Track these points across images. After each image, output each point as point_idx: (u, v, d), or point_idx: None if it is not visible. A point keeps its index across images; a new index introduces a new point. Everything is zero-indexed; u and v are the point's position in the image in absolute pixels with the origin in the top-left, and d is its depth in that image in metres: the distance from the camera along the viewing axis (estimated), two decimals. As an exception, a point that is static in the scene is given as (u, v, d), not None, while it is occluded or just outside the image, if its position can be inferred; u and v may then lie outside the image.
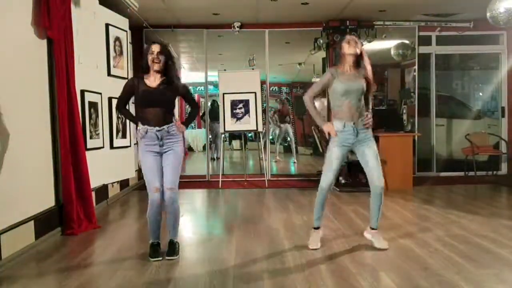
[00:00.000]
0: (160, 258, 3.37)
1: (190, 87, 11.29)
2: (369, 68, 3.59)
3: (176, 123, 3.41)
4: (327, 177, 3.59)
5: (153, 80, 3.36)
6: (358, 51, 3.54)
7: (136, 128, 3.48)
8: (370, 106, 3.69)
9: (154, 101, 3.31)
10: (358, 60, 3.55)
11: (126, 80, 3.63)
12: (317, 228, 3.71)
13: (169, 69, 3.36)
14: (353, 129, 3.50)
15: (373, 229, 3.66)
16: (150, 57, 3.30)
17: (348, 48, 3.52)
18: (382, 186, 3.52)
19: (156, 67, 3.31)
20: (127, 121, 5.75)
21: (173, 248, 3.45)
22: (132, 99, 3.54)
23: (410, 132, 7.32)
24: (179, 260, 3.44)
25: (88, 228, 4.30)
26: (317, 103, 11.47)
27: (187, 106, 3.52)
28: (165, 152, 3.38)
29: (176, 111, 3.28)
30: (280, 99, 11.31)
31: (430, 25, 7.46)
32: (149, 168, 3.35)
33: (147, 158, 3.36)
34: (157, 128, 3.32)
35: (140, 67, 3.41)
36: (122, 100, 3.53)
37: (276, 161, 9.71)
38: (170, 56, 3.38)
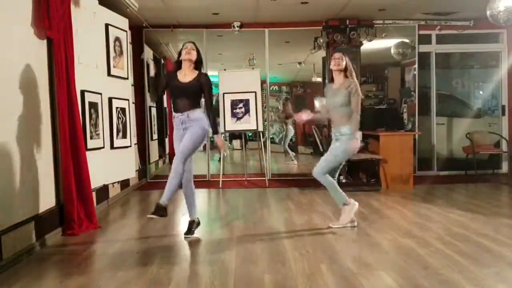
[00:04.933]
0: (155, 217, 3.70)
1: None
2: (354, 80, 4.17)
3: (217, 140, 4.13)
4: (324, 165, 4.26)
5: (183, 76, 3.97)
6: (343, 67, 4.14)
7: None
8: (355, 116, 4.15)
9: (184, 94, 3.93)
10: (346, 73, 4.17)
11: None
12: (346, 204, 4.24)
13: (199, 65, 4.03)
14: (335, 136, 4.27)
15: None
16: (184, 51, 3.94)
17: (333, 65, 4.17)
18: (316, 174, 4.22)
19: (189, 56, 3.92)
20: (127, 121, 5.76)
21: (190, 228, 4.07)
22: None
23: (410, 131, 7.32)
24: (179, 260, 3.45)
25: (89, 228, 4.30)
26: (316, 102, 11.51)
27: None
28: (185, 132, 3.93)
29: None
30: (281, 98, 11.29)
31: (430, 23, 7.45)
32: (176, 145, 4.00)
33: (176, 137, 4.03)
34: (180, 114, 3.93)
35: (176, 63, 4.08)
36: (160, 87, 4.23)
37: (292, 160, 9.62)
38: (199, 53, 4.05)
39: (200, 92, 3.97)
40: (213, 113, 4.06)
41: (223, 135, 7.64)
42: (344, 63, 4.14)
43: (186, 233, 4.03)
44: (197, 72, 3.99)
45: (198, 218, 4.17)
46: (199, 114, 3.93)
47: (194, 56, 3.94)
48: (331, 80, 4.27)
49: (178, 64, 4.02)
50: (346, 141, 4.12)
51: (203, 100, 4.02)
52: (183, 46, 3.99)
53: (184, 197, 4.17)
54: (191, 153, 3.90)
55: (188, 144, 3.84)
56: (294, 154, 9.96)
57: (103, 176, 5.05)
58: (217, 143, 4.14)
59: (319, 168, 4.21)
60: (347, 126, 4.10)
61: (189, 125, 3.89)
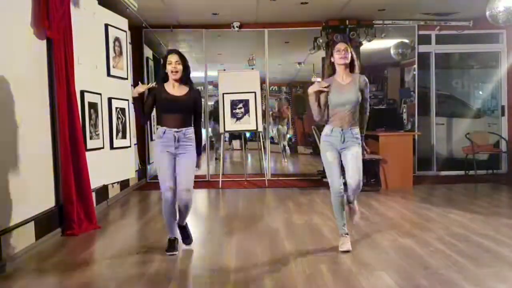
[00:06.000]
0: (176, 253, 3.51)
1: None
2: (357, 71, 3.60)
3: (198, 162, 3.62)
4: (334, 179, 3.52)
5: (172, 88, 3.52)
6: (349, 60, 3.51)
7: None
8: (367, 115, 3.72)
9: (177, 109, 3.48)
10: (352, 65, 3.55)
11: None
12: (346, 234, 3.57)
13: (188, 78, 3.56)
14: (341, 135, 3.51)
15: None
16: (169, 68, 3.47)
17: (339, 59, 3.51)
18: (356, 185, 3.51)
19: (175, 76, 3.47)
20: (127, 121, 5.76)
21: (187, 234, 3.72)
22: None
23: (410, 131, 7.33)
24: (179, 260, 3.44)
25: (89, 228, 4.30)
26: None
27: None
28: (179, 154, 3.48)
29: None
30: (277, 98, 11.32)
31: (429, 24, 7.46)
32: (164, 168, 3.47)
33: (162, 158, 3.48)
34: (175, 129, 3.46)
35: (159, 77, 3.60)
36: (147, 105, 3.57)
37: (285, 162, 9.71)
38: (187, 64, 3.56)
39: (192, 109, 3.58)
40: (200, 134, 3.69)
41: (222, 135, 7.66)
42: (350, 55, 3.52)
43: (186, 243, 3.72)
44: (187, 87, 3.55)
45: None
46: (192, 134, 3.56)
47: (181, 72, 3.49)
48: (332, 75, 3.62)
49: (162, 78, 3.57)
50: (360, 143, 3.59)
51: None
52: (166, 58, 3.51)
53: (179, 212, 3.65)
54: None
55: (192, 173, 3.52)
56: (287, 153, 10.06)
57: (102, 177, 5.05)
58: (198, 163, 3.65)
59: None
60: (357, 127, 3.60)
61: (184, 143, 3.48)
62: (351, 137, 3.52)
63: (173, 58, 3.47)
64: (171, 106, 3.47)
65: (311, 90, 3.52)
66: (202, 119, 3.76)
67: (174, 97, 3.48)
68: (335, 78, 3.57)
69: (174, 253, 3.51)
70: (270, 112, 10.26)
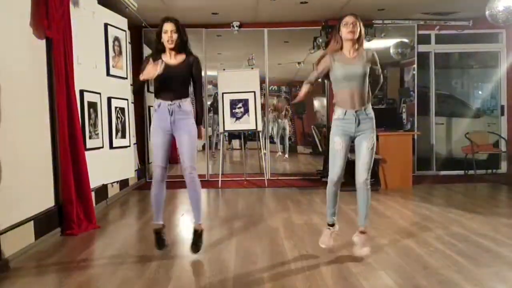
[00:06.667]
0: (166, 246, 3.51)
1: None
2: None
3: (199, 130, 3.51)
4: (334, 169, 3.37)
5: (168, 58, 3.40)
6: (357, 35, 3.27)
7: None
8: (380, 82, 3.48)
9: (172, 78, 3.36)
10: (359, 41, 3.32)
11: (143, 62, 3.50)
12: (331, 225, 3.48)
13: (185, 46, 3.43)
14: (355, 117, 3.28)
15: (361, 232, 3.45)
16: (165, 37, 3.33)
17: (346, 33, 3.27)
18: (364, 181, 3.37)
19: (171, 45, 3.34)
20: (127, 121, 5.75)
21: (199, 239, 3.55)
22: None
23: (409, 131, 7.33)
24: (179, 260, 3.44)
25: (88, 228, 4.30)
26: (316, 102, 11.48)
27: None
28: (178, 131, 3.40)
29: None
30: (276, 97, 11.36)
31: (429, 23, 7.45)
32: (156, 146, 3.44)
33: (156, 136, 3.42)
34: (169, 102, 3.37)
35: (154, 48, 3.45)
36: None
37: (280, 159, 9.75)
38: (184, 32, 3.42)
39: (189, 78, 3.47)
40: (201, 103, 3.60)
41: (222, 135, 7.65)
42: (359, 30, 3.27)
43: (193, 250, 3.52)
44: (184, 54, 3.44)
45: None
46: (190, 106, 3.45)
47: (176, 41, 3.35)
48: (337, 50, 3.36)
49: (158, 50, 3.42)
50: (374, 129, 3.37)
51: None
52: (162, 26, 3.36)
53: (190, 198, 3.62)
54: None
55: (194, 149, 3.45)
56: (281, 152, 10.12)
57: (102, 176, 5.04)
58: (199, 133, 3.53)
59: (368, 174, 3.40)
60: (370, 106, 3.36)
61: (180, 117, 3.38)
62: (365, 118, 3.30)
63: (168, 26, 3.32)
64: (164, 76, 3.29)
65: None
66: (203, 94, 3.56)
67: (171, 66, 3.34)
68: (341, 52, 3.36)
69: (164, 247, 3.48)
70: (269, 109, 10.30)
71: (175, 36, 3.33)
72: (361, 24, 3.31)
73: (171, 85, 3.37)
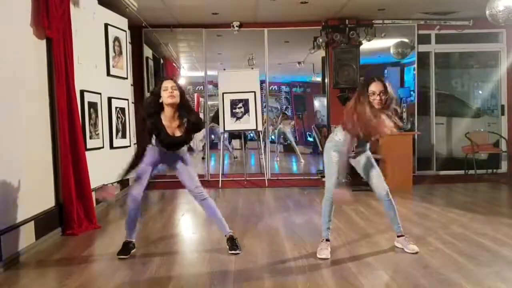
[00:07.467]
0: (126, 257, 3.44)
1: (190, 87, 11.40)
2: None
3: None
4: (331, 180, 3.43)
5: (170, 125, 3.34)
6: (384, 101, 3.20)
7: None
8: None
9: (176, 146, 3.45)
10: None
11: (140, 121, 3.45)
12: (327, 240, 3.49)
13: (187, 109, 3.39)
14: (363, 152, 3.46)
15: (399, 236, 3.54)
16: (165, 94, 3.29)
17: (373, 101, 3.19)
18: (386, 194, 3.47)
19: (172, 100, 3.29)
20: (127, 121, 5.76)
21: (234, 243, 3.55)
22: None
23: (409, 130, 7.31)
24: (179, 260, 3.45)
25: (89, 228, 4.30)
26: (316, 102, 11.44)
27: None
28: (170, 163, 3.51)
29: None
30: (277, 98, 11.44)
31: (429, 23, 7.45)
32: (142, 169, 3.41)
33: (152, 152, 3.42)
34: (164, 150, 3.44)
35: (150, 108, 3.35)
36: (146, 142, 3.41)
37: (276, 161, 9.85)
38: (183, 94, 3.39)
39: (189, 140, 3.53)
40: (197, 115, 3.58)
41: (222, 135, 7.64)
42: (387, 97, 3.21)
43: (231, 249, 3.53)
44: (184, 120, 3.37)
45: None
46: (184, 151, 3.55)
47: (178, 98, 3.30)
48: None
49: (155, 102, 3.34)
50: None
51: None
52: (161, 83, 3.33)
53: (207, 215, 3.80)
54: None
55: (191, 170, 3.55)
56: (281, 152, 10.24)
57: (102, 176, 5.05)
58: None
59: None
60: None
61: (175, 155, 3.50)
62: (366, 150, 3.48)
63: (169, 83, 3.30)
64: (169, 145, 3.39)
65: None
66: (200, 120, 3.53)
67: (172, 138, 3.35)
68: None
69: (124, 257, 3.43)
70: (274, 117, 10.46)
71: (176, 92, 3.29)
72: (391, 89, 3.23)
73: (169, 147, 3.43)
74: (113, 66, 5.43)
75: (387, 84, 3.22)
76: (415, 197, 5.88)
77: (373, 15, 7.10)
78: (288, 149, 11.03)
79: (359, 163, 3.49)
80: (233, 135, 10.31)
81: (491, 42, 7.76)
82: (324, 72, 7.80)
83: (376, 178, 3.45)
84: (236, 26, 7.41)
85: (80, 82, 4.43)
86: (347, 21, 7.15)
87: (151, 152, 3.43)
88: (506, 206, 5.48)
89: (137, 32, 7.25)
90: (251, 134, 9.95)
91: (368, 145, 3.51)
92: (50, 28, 3.92)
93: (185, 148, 3.54)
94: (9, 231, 3.35)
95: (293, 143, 10.45)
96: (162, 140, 3.35)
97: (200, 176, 3.58)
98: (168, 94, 3.27)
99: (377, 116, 3.20)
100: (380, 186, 3.45)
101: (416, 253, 3.41)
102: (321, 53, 7.76)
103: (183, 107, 3.37)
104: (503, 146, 7.61)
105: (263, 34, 7.59)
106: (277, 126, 10.84)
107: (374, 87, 3.18)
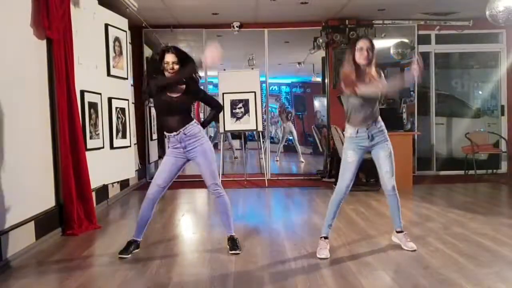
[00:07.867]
0: (127, 256, 3.44)
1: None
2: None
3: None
4: (343, 181, 3.44)
5: (170, 87, 3.36)
6: (371, 59, 3.32)
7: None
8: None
9: (174, 111, 3.37)
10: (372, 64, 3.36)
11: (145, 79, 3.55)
12: (326, 237, 3.48)
13: (188, 77, 3.37)
14: (367, 134, 3.43)
15: (398, 232, 3.60)
16: (166, 67, 3.31)
17: (359, 58, 3.32)
18: (391, 188, 3.59)
19: (173, 72, 3.30)
20: (127, 121, 5.75)
21: (234, 243, 3.56)
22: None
23: (409, 131, 7.32)
24: (179, 260, 3.45)
25: (89, 228, 4.30)
26: (316, 102, 11.49)
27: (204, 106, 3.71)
28: (192, 156, 3.45)
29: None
30: (277, 98, 11.44)
31: (429, 23, 7.46)
32: (162, 166, 3.51)
33: (166, 158, 3.50)
34: (174, 133, 3.39)
35: (153, 73, 3.41)
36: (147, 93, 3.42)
37: (276, 161, 9.86)
38: (185, 60, 3.33)
39: (191, 104, 3.54)
40: (217, 110, 3.67)
41: (222, 135, 7.64)
42: (371, 54, 3.33)
43: (232, 249, 3.52)
44: (184, 84, 3.39)
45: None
46: (194, 128, 3.41)
47: (177, 68, 3.30)
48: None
49: (158, 68, 3.36)
50: (388, 138, 3.56)
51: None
52: (163, 55, 3.32)
53: (220, 213, 3.76)
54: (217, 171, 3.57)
55: (213, 168, 3.49)
56: (278, 154, 10.25)
57: (102, 176, 5.05)
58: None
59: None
60: (380, 119, 3.51)
61: (190, 142, 3.39)
62: (377, 132, 3.46)
63: (170, 58, 3.29)
64: (168, 109, 3.36)
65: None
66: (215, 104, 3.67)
67: (171, 99, 3.33)
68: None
69: (126, 256, 3.43)
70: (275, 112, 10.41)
71: (176, 67, 3.29)
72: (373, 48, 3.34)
73: (173, 117, 3.37)
74: (113, 67, 5.43)
75: (373, 41, 3.40)
76: (415, 197, 5.87)
77: (373, 16, 7.11)
78: (288, 149, 11.04)
79: (378, 155, 3.56)
80: (233, 135, 10.33)
81: (491, 42, 7.77)
82: (324, 73, 7.81)
83: (385, 172, 3.57)
84: (236, 26, 7.42)
85: (80, 82, 4.43)
86: (347, 21, 7.16)
87: (171, 152, 3.46)
88: (506, 206, 5.48)
89: (137, 32, 7.26)
90: (252, 134, 9.96)
91: (374, 111, 3.42)
92: (51, 28, 3.92)
93: (202, 137, 3.43)
94: (9, 231, 3.36)
95: (297, 141, 10.46)
96: (159, 102, 3.34)
97: (200, 176, 3.56)
98: (168, 68, 3.30)
99: (362, 74, 3.32)
100: (387, 180, 3.58)
101: (414, 250, 3.44)
102: (321, 53, 7.77)
103: (189, 88, 3.38)
104: (503, 146, 7.62)
105: (263, 34, 7.60)
106: (283, 125, 10.83)
107: (362, 43, 3.36)
